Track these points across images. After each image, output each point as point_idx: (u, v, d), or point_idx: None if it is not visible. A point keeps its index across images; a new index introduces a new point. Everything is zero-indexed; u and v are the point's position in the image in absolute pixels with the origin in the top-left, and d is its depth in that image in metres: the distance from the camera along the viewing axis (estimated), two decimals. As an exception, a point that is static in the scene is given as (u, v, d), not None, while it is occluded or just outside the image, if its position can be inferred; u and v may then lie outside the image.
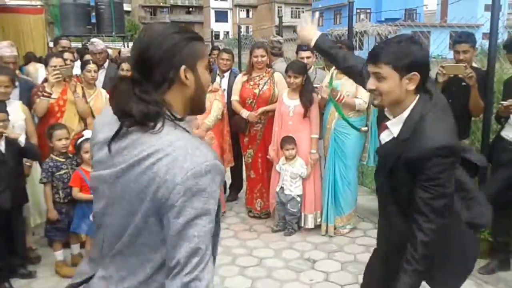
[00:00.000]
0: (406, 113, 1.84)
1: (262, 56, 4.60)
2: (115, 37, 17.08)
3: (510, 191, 3.52)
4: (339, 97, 4.15)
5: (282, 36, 6.87)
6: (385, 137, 1.96)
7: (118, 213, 1.23)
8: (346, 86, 4.24)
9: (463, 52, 3.76)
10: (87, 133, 3.67)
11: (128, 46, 15.74)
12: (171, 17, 61.29)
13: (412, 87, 1.79)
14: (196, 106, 1.34)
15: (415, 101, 1.83)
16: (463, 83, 3.67)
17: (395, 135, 1.87)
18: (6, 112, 3.40)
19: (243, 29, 13.08)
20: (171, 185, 1.12)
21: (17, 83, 3.92)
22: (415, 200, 1.79)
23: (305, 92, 4.30)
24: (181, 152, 1.15)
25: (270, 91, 4.63)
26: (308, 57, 4.68)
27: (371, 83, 1.84)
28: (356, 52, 5.06)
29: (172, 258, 1.13)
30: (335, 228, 4.41)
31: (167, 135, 1.18)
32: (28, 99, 3.97)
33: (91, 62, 4.54)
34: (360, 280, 3.52)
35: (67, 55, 4.63)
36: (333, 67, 4.42)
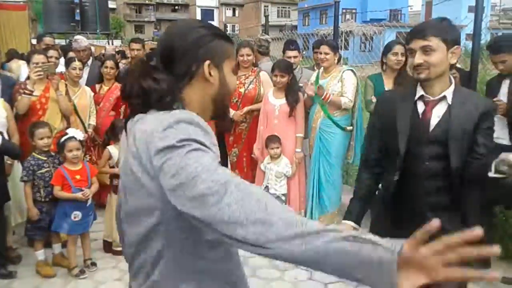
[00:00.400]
0: (453, 86, 2.01)
1: (248, 55, 4.59)
2: (100, 35, 16.89)
3: (490, 191, 3.56)
4: (325, 96, 4.16)
5: (268, 35, 6.87)
6: (438, 112, 2.01)
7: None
8: (331, 85, 4.25)
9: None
10: (71, 132, 3.62)
11: (112, 44, 15.61)
12: (157, 15, 60.91)
13: (454, 60, 1.96)
14: (219, 109, 1.26)
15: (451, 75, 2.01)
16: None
17: (450, 103, 1.99)
18: (-13, 109, 3.35)
19: (229, 28, 13.07)
20: (147, 156, 1.05)
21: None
22: (473, 148, 1.98)
23: (291, 91, 4.30)
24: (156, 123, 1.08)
25: (256, 90, 4.62)
26: (294, 57, 4.69)
27: (419, 57, 1.91)
28: (342, 52, 5.08)
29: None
30: (319, 227, 4.41)
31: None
32: (10, 96, 3.90)
33: (76, 59, 4.48)
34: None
35: (51, 52, 4.56)
36: (321, 67, 4.44)
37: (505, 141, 3.49)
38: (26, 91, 3.80)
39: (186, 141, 1.01)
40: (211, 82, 1.21)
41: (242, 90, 4.60)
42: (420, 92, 2.02)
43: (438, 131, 1.99)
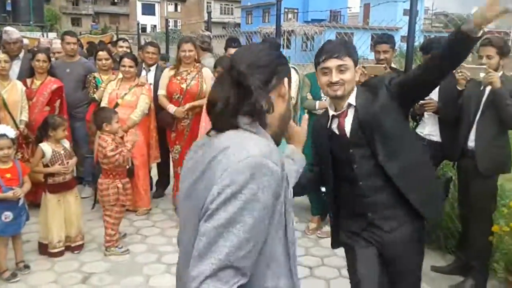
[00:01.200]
0: (354, 91, 2.17)
1: (190, 51, 4.54)
2: (33, 27, 16.07)
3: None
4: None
5: (211, 32, 6.83)
6: (350, 118, 2.17)
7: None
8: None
9: (383, 52, 3.96)
10: (1, 129, 3.42)
11: (47, 36, 14.89)
12: (95, 8, 58.88)
13: (358, 77, 2.14)
14: (282, 128, 1.32)
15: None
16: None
17: (355, 105, 2.15)
18: None
19: (171, 23, 12.86)
20: (209, 185, 1.06)
21: None
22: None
23: None
24: (231, 149, 1.09)
25: (198, 86, 4.58)
26: None
27: (336, 75, 2.06)
28: (284, 51, 5.14)
29: (193, 270, 1.01)
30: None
31: (234, 134, 1.14)
32: None
33: (1, 52, 4.22)
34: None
35: None
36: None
37: (436, 138, 3.68)
38: None
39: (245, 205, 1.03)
40: (284, 99, 1.28)
41: (184, 86, 4.54)
42: (331, 113, 2.21)
43: (355, 135, 2.15)
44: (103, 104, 4.48)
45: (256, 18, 38.04)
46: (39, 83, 4.54)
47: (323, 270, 3.72)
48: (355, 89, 2.17)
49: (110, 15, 59.85)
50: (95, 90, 4.84)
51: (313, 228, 4.42)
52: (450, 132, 3.56)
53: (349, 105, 2.15)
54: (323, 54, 2.08)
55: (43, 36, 13.83)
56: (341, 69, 2.06)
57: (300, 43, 16.78)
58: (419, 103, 3.58)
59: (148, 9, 57.60)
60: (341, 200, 2.29)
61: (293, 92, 4.26)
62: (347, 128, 2.16)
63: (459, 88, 3.38)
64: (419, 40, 5.20)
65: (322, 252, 4.01)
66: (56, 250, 3.72)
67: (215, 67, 4.32)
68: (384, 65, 3.76)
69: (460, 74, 3.30)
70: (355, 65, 2.11)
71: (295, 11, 35.32)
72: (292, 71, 4.29)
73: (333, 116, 2.20)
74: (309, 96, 4.20)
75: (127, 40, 6.77)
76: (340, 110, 2.17)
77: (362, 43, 6.08)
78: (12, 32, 5.09)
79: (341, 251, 3.95)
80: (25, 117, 4.37)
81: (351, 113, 2.16)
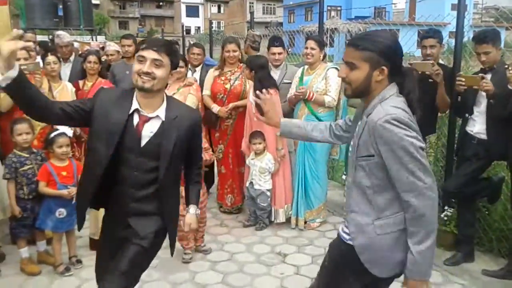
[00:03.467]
0: (164, 104, 2.23)
1: (234, 51, 4.59)
2: (83, 31, 16.70)
3: (474, 185, 3.63)
4: (308, 95, 4.19)
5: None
6: (151, 128, 2.17)
7: None
8: (315, 82, 4.27)
9: (430, 47, 3.85)
10: (62, 127, 3.57)
11: (96, 40, 15.42)
12: (141, 11, 60.38)
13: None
14: None
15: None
16: (430, 80, 3.75)
17: (164, 119, 2.18)
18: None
19: (214, 24, 13.01)
20: None
21: None
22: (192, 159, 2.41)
23: (257, 89, 4.29)
24: None
25: (241, 86, 4.62)
26: (279, 53, 4.68)
27: (149, 67, 2.09)
28: (327, 49, 5.09)
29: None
30: (305, 222, 4.45)
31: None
32: None
33: (49, 54, 4.41)
34: (330, 273, 3.59)
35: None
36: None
37: (484, 136, 3.54)
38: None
39: None
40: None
41: (227, 86, 4.60)
42: (135, 105, 2.14)
43: (150, 146, 2.15)
44: None
45: (298, 17, 37.87)
46: (90, 84, 4.71)
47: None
48: (165, 102, 2.20)
49: (155, 18, 61.27)
50: None
51: None
52: (502, 130, 3.42)
53: (157, 116, 2.17)
54: (145, 43, 2.12)
55: (92, 40, 14.34)
56: (156, 64, 2.08)
57: (344, 40, 16.55)
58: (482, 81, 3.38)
59: (192, 11, 58.55)
60: (108, 197, 2.27)
61: (335, 94, 4.22)
62: (145, 136, 2.15)
63: (510, 87, 3.23)
64: (468, 36, 5.02)
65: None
66: (106, 246, 3.85)
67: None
68: (431, 61, 3.66)
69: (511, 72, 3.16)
70: (172, 68, 2.18)
71: (338, 8, 34.87)
72: (335, 71, 4.26)
73: (137, 111, 2.15)
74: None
75: (177, 43, 6.93)
76: (145, 113, 2.15)
77: (408, 39, 5.93)
78: (64, 35, 5.32)
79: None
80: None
81: (155, 123, 2.16)
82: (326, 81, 4.26)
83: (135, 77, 2.07)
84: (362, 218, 1.87)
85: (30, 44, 3.61)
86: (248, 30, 6.21)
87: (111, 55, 5.95)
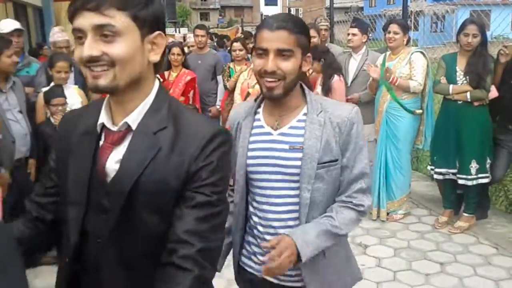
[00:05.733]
0: (148, 103, 1.18)
1: (313, 37, 4.51)
2: (167, 23, 17.38)
3: None
4: (393, 79, 4.01)
5: (334, 18, 6.73)
6: (120, 153, 1.15)
7: None
8: (399, 67, 4.09)
9: (528, 29, 3.54)
10: None
11: (179, 32, 15.98)
12: (221, 1, 61.52)
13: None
14: None
15: None
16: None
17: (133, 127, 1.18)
18: (64, 96, 3.53)
19: (293, 11, 12.94)
20: None
21: (72, 68, 4.06)
22: (174, 225, 1.15)
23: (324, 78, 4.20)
24: None
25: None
26: (354, 34, 4.47)
27: (90, 47, 1.06)
28: (411, 34, 4.82)
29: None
30: (387, 214, 4.32)
31: None
32: (82, 83, 4.09)
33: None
34: (414, 266, 3.46)
35: None
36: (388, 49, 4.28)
37: None
38: None
39: None
40: None
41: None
42: (102, 117, 1.16)
43: (118, 184, 1.11)
44: (236, 94, 4.69)
45: (380, 1, 36.49)
46: (175, 75, 4.90)
47: (455, 267, 3.48)
48: (151, 97, 1.16)
49: (235, 8, 62.14)
50: (228, 79, 5.10)
51: (442, 221, 4.15)
52: None
53: (128, 128, 1.13)
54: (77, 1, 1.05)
55: (175, 32, 14.89)
56: (104, 35, 1.03)
57: (429, 24, 15.74)
58: None
59: (271, 0, 58.59)
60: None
61: (421, 78, 4.01)
62: (111, 166, 1.12)
63: None
64: None
65: (455, 248, 3.75)
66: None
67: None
68: (530, 44, 3.36)
69: None
70: (150, 30, 1.09)
71: (424, -10, 33.11)
72: (420, 55, 4.05)
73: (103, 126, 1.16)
74: (443, 80, 3.91)
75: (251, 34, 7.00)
76: (111, 127, 1.15)
77: (502, 21, 5.50)
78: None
79: (476, 248, 3.70)
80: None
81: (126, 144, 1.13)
82: (411, 65, 4.06)
83: (83, 71, 1.09)
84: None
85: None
86: (327, 16, 6.09)
87: (192, 46, 6.15)
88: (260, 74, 1.46)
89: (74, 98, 3.79)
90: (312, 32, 4.50)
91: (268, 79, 1.45)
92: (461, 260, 3.56)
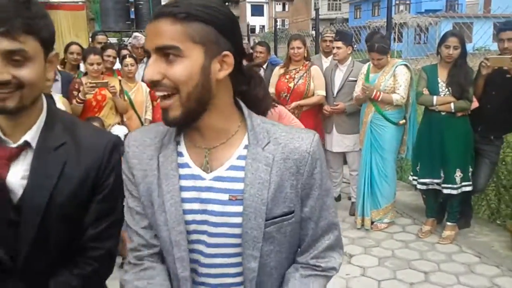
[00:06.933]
0: (42, 119, 1.21)
1: (299, 48, 4.55)
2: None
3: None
4: (375, 95, 4.08)
5: (318, 30, 6.80)
6: (23, 171, 1.17)
7: None
8: (383, 80, 4.15)
9: (508, 40, 3.63)
10: (116, 130, 3.74)
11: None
12: (208, 11, 61.73)
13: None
14: None
15: None
16: (508, 75, 3.54)
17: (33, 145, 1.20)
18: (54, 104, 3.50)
19: (279, 22, 13.05)
20: None
21: (58, 77, 4.02)
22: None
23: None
24: None
25: (305, 85, 4.57)
26: (338, 48, 4.49)
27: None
28: (395, 45, 4.92)
29: None
30: (372, 223, 4.35)
31: None
32: (67, 92, 4.07)
33: (127, 56, 4.62)
34: (398, 275, 3.49)
35: (110, 51, 4.70)
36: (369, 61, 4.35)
37: None
38: (78, 100, 3.92)
39: None
40: None
41: (291, 85, 4.57)
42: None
43: (30, 199, 1.13)
44: None
45: (365, 12, 36.97)
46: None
47: (439, 276, 3.51)
48: (43, 115, 1.18)
49: (221, 18, 62.47)
50: None
51: (426, 230, 4.19)
52: None
53: (27, 144, 1.15)
54: None
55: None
56: (14, 58, 1.04)
57: (413, 35, 15.99)
58: None
59: (257, 10, 58.98)
60: None
61: (403, 92, 4.07)
62: (15, 187, 1.13)
63: None
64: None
65: (439, 257, 3.79)
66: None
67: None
68: (510, 56, 3.44)
69: None
70: (46, 51, 1.11)
71: (407, 2, 33.69)
72: (404, 68, 4.13)
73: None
74: (426, 91, 3.98)
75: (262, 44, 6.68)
76: (9, 142, 1.15)
77: (483, 33, 5.62)
78: (141, 37, 5.56)
79: (459, 256, 3.75)
80: (149, 116, 4.74)
81: (26, 160, 1.15)
82: (395, 78, 4.13)
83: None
84: None
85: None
86: (312, 27, 6.16)
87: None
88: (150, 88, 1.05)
89: (58, 106, 3.77)
90: (298, 43, 4.55)
91: (157, 93, 0.99)
92: (445, 269, 3.60)
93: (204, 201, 1.04)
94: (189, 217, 1.05)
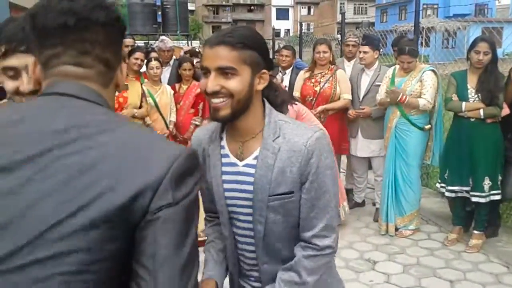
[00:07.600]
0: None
1: (325, 52, 4.53)
2: (180, 36, 17.55)
3: None
4: (401, 98, 4.03)
5: (344, 34, 6.77)
6: None
7: None
8: (410, 85, 4.10)
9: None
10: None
11: (191, 44, 16.14)
12: (233, 15, 62.13)
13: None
14: None
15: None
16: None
17: None
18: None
19: (304, 26, 13.03)
20: None
21: None
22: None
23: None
24: None
25: (331, 89, 4.55)
26: (365, 52, 4.49)
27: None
28: (422, 50, 4.85)
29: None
30: (396, 230, 4.29)
31: None
32: None
33: (153, 59, 4.68)
34: (423, 283, 3.43)
35: (138, 54, 4.77)
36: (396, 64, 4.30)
37: None
38: None
39: None
40: None
41: (317, 88, 4.56)
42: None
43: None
44: None
45: (392, 16, 36.60)
46: (185, 87, 4.95)
47: (465, 285, 3.44)
48: None
49: (247, 22, 62.59)
50: None
51: (452, 239, 4.11)
52: None
53: None
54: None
55: (187, 45, 15.03)
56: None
57: (441, 40, 15.74)
58: None
59: (282, 14, 59.08)
60: None
61: (430, 97, 4.01)
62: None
63: None
64: None
65: (465, 266, 3.72)
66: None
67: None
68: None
69: None
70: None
71: (435, 6, 33.22)
72: (431, 74, 4.06)
73: None
74: (455, 97, 3.91)
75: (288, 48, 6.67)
76: None
77: (514, 38, 5.50)
78: (168, 41, 5.64)
79: (486, 266, 3.67)
80: (173, 118, 4.80)
81: None
82: (421, 83, 4.07)
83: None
84: None
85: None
86: (338, 31, 6.13)
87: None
88: (206, 95, 1.31)
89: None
90: (324, 48, 4.54)
91: (213, 100, 1.29)
92: (471, 278, 3.52)
93: (239, 182, 1.38)
94: (228, 194, 1.40)
